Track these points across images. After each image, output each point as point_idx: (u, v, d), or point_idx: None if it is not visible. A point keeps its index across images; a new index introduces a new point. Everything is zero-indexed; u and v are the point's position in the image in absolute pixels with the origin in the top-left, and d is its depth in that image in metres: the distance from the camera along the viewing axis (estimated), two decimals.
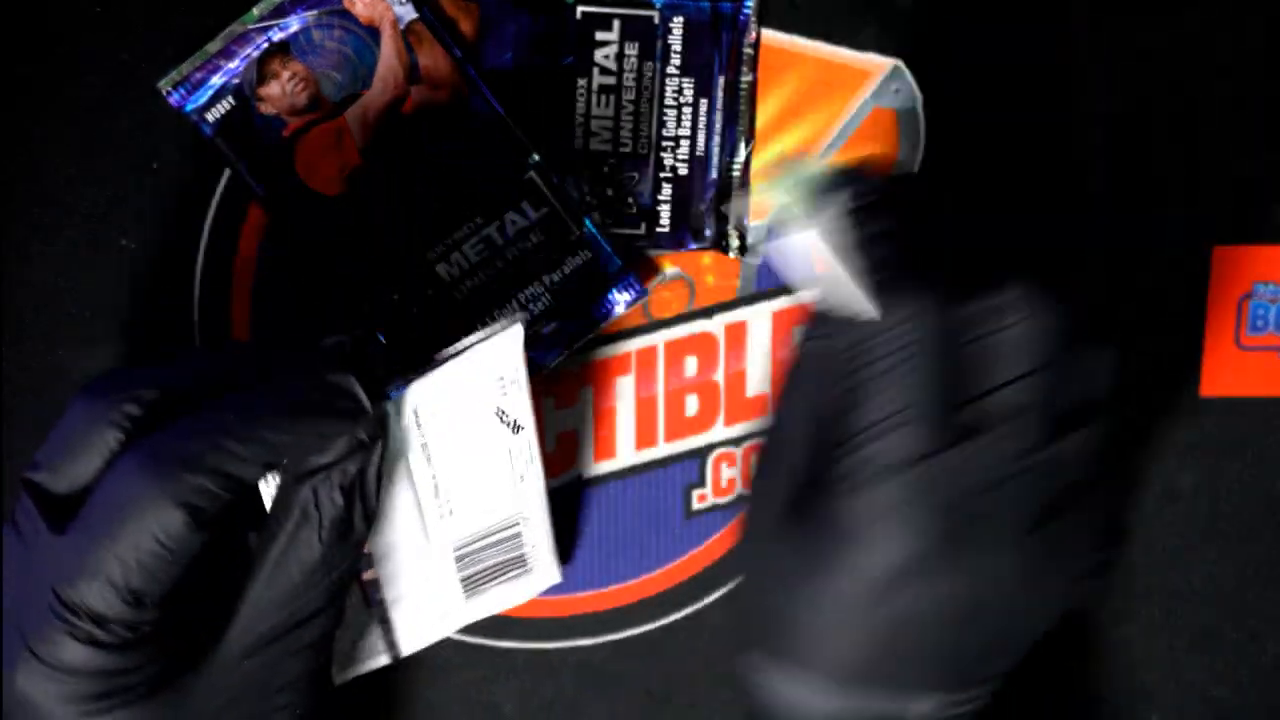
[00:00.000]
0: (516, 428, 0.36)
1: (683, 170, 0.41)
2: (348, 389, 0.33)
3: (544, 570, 0.41)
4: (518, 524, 0.39)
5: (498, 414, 0.36)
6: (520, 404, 0.36)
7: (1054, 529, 0.30)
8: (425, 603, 0.39)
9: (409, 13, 0.40)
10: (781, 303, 0.43)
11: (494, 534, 0.38)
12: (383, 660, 0.39)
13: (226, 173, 0.41)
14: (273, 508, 0.33)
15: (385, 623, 0.38)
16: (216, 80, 0.40)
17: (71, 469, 0.33)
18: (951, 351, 0.29)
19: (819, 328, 0.31)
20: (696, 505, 0.44)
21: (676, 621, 0.44)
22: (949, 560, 0.29)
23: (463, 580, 0.39)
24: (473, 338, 0.34)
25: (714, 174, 0.42)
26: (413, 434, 0.35)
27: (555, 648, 0.44)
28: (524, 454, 0.37)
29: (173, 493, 0.31)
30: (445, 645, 0.44)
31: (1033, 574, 0.30)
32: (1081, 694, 0.46)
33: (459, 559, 0.38)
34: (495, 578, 0.40)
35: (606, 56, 0.41)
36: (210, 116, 0.40)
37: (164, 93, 0.40)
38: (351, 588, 0.36)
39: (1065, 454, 0.30)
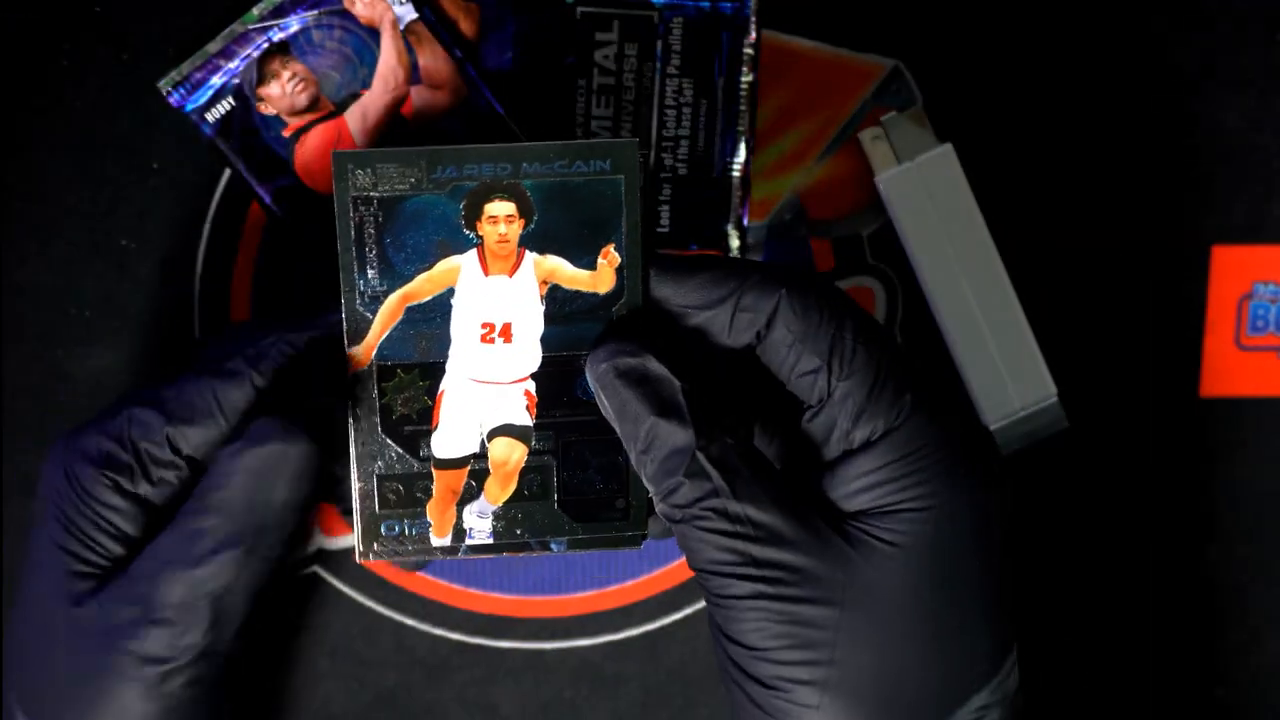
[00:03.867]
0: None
1: (683, 170, 0.41)
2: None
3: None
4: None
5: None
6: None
7: None
8: None
9: (409, 13, 0.40)
10: None
11: None
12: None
13: (227, 173, 0.41)
14: None
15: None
16: (216, 80, 0.40)
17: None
18: None
19: None
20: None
21: (676, 621, 0.44)
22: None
23: None
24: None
25: (714, 174, 0.41)
26: None
27: (554, 648, 0.44)
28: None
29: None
30: (445, 645, 0.44)
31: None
32: (1081, 694, 0.46)
33: None
34: None
35: (606, 56, 0.40)
36: (210, 116, 0.40)
37: (164, 93, 0.40)
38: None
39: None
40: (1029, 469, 0.44)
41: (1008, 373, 0.43)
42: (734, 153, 0.41)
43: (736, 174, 0.41)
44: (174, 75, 0.40)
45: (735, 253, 0.42)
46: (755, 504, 0.31)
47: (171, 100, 0.40)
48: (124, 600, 0.33)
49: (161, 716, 0.33)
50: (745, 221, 0.42)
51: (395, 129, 0.40)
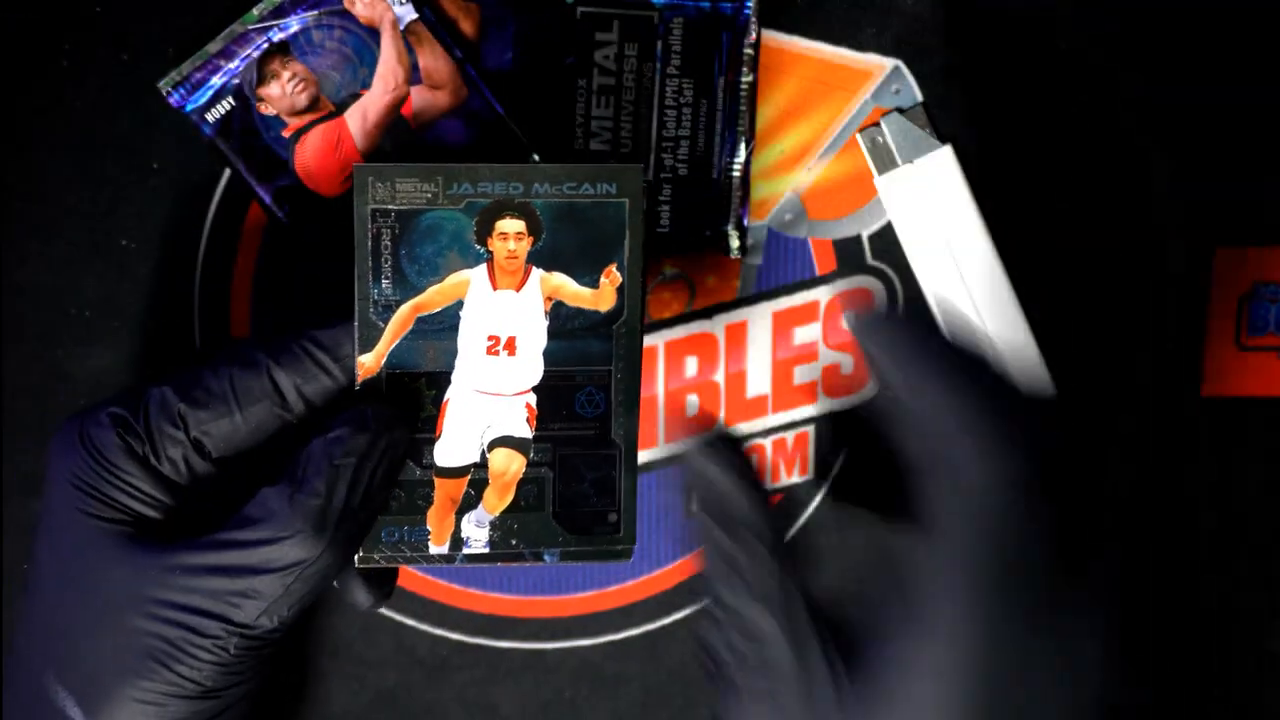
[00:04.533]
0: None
1: (683, 171, 0.41)
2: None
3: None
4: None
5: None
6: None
7: None
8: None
9: (409, 13, 0.39)
10: (781, 303, 0.43)
11: None
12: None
13: (227, 173, 0.41)
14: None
15: None
16: (216, 80, 0.39)
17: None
18: None
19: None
20: (696, 506, 0.43)
21: (677, 621, 0.44)
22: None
23: None
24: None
25: (714, 174, 0.41)
26: None
27: (554, 648, 0.44)
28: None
29: None
30: (445, 645, 0.44)
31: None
32: None
33: None
34: None
35: (606, 57, 0.40)
36: (210, 117, 0.39)
37: (164, 93, 0.40)
38: None
39: None
40: None
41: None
42: (734, 153, 0.41)
43: (736, 174, 0.41)
44: (174, 75, 0.39)
45: (735, 253, 0.42)
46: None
47: (171, 100, 0.40)
48: (207, 566, 0.33)
49: (220, 676, 0.33)
50: (745, 221, 0.42)
51: (395, 129, 0.40)
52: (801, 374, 0.43)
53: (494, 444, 0.35)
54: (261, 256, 0.42)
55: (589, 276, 0.35)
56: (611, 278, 0.35)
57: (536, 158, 0.40)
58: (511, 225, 0.35)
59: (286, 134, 0.40)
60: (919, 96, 0.42)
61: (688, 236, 0.42)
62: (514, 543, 0.36)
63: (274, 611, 0.33)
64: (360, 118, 0.40)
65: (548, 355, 0.35)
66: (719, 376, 0.43)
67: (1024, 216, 0.43)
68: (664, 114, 0.41)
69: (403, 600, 0.44)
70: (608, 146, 0.41)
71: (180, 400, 0.34)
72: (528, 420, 0.36)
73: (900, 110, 0.42)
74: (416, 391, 0.35)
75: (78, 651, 0.33)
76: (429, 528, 0.35)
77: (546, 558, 0.36)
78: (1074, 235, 0.43)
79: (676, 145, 0.41)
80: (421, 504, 0.35)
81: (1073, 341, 0.44)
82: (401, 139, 0.40)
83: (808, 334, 0.43)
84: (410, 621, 0.44)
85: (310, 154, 0.40)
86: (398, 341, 0.35)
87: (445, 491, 0.35)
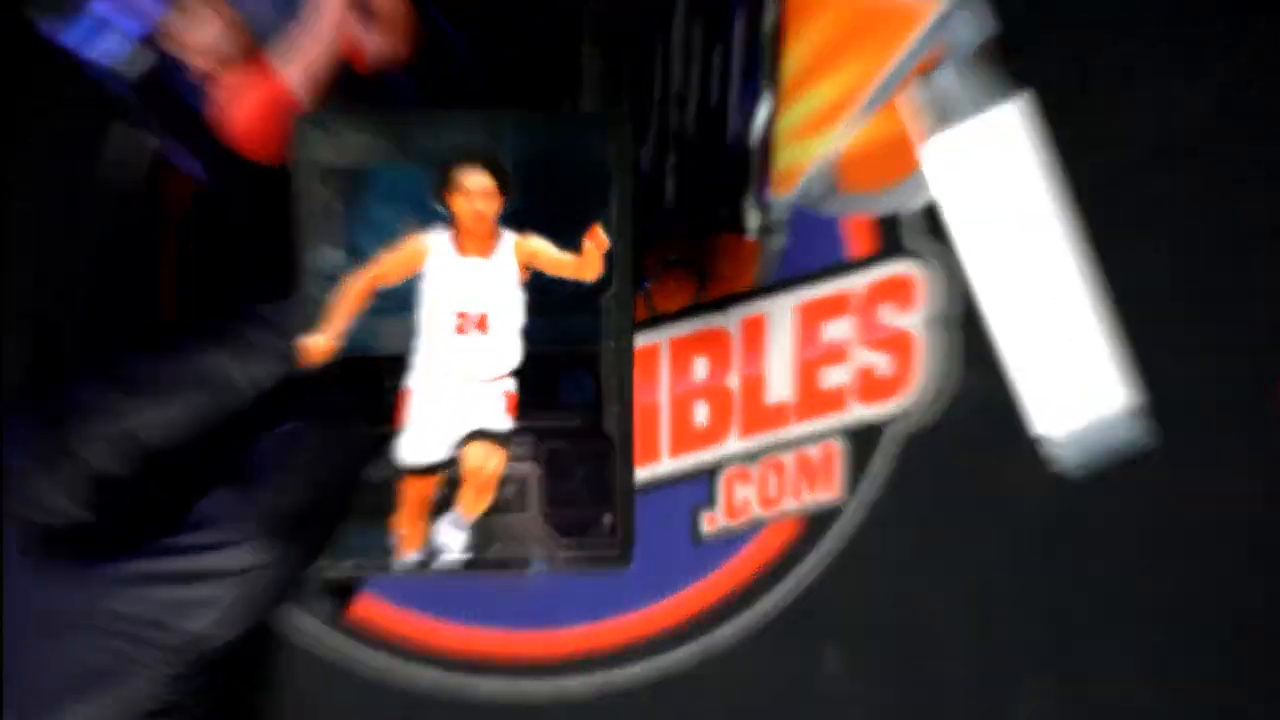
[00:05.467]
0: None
1: (691, 132, 0.39)
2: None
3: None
4: None
5: None
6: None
7: None
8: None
9: None
10: (807, 293, 0.42)
11: None
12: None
13: (147, 141, 0.39)
14: None
15: None
16: (100, 7, 0.36)
17: None
18: None
19: None
20: (706, 529, 0.43)
21: (681, 659, 0.43)
22: None
23: None
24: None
25: (729, 137, 0.39)
26: None
27: (543, 685, 0.43)
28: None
29: None
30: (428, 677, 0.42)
31: None
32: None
33: None
34: None
35: None
36: (125, 71, 0.36)
37: (34, 21, 0.37)
38: None
39: None
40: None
41: (1075, 379, 0.40)
42: (754, 110, 0.39)
43: (757, 136, 0.39)
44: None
45: (753, 234, 0.40)
46: None
47: (42, 30, 0.36)
48: (155, 575, 0.32)
49: (173, 688, 0.33)
50: (766, 195, 0.40)
51: (344, 80, 0.37)
52: (830, 377, 0.42)
53: (468, 438, 0.33)
54: (184, 233, 0.40)
55: (570, 240, 0.32)
56: (596, 240, 0.32)
57: None
58: (477, 181, 0.32)
59: (212, 92, 0.37)
60: (985, 33, 0.38)
61: (697, 213, 0.39)
62: (497, 549, 0.34)
63: (228, 620, 0.32)
64: (298, 68, 0.37)
65: (526, 334, 0.33)
66: (733, 380, 0.42)
67: (1118, 190, 0.40)
68: (669, 64, 0.38)
69: (367, 639, 0.42)
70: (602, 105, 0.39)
71: (110, 389, 0.33)
72: (506, 410, 0.33)
73: (962, 51, 0.38)
74: (375, 378, 0.33)
75: (21, 670, 0.33)
76: (398, 533, 0.34)
77: (534, 566, 0.34)
78: (1171, 214, 0.41)
79: (684, 101, 0.39)
80: (389, 507, 0.34)
81: (1158, 343, 0.41)
82: (350, 95, 0.37)
83: (838, 330, 0.42)
84: (379, 662, 0.42)
85: (241, 113, 0.37)
86: (351, 320, 0.33)
87: (415, 492, 0.33)
